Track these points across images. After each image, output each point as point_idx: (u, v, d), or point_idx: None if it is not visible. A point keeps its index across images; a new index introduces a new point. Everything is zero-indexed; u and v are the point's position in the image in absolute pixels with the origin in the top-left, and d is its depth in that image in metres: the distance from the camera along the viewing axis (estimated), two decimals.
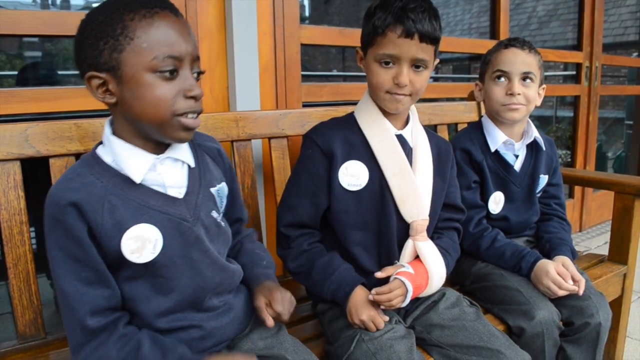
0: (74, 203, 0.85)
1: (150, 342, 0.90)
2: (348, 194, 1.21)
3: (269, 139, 1.48)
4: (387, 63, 1.15)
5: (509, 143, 1.54)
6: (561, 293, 1.32)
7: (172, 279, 0.93)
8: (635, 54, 6.18)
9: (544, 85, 1.55)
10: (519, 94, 1.47)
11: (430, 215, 1.24)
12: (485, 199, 1.53)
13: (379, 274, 1.17)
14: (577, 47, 3.43)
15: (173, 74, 0.86)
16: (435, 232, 1.32)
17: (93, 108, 1.50)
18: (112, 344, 0.88)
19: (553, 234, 1.53)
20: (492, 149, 1.53)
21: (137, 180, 0.90)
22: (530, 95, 1.49)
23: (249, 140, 1.44)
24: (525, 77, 1.48)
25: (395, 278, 1.15)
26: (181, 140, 0.93)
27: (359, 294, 1.15)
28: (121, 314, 0.92)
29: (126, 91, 0.86)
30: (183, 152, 0.98)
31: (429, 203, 1.24)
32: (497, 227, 1.51)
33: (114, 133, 0.92)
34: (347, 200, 1.21)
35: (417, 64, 1.14)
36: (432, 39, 1.14)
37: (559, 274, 1.32)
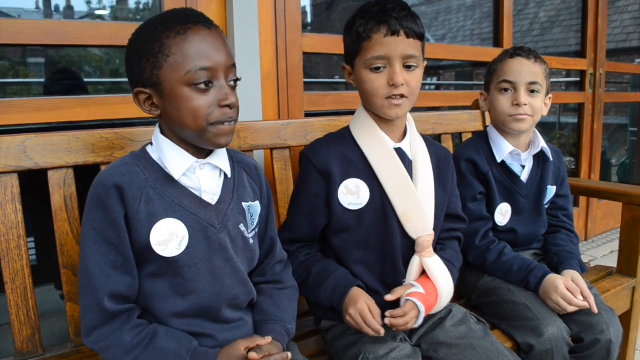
0: (118, 185, 0.91)
1: (165, 331, 0.94)
2: (349, 213, 1.18)
3: (271, 149, 1.45)
4: (377, 68, 1.13)
5: (516, 153, 1.51)
6: (571, 309, 1.29)
7: (191, 280, 0.96)
8: (639, 60, 6.16)
9: (550, 95, 1.53)
10: (525, 105, 1.44)
11: (434, 229, 1.22)
12: (491, 210, 1.50)
13: (389, 297, 1.13)
14: (581, 54, 3.41)
15: (208, 85, 0.91)
16: (437, 244, 1.30)
17: (94, 118, 1.48)
18: (127, 331, 0.91)
19: (561, 247, 1.50)
20: (499, 160, 1.50)
21: (177, 176, 0.95)
22: (537, 105, 1.46)
23: (251, 151, 1.42)
24: (531, 87, 1.45)
25: (407, 300, 1.13)
26: (220, 146, 0.97)
27: (355, 291, 1.12)
28: (135, 306, 0.96)
29: (167, 104, 0.93)
30: (222, 160, 1.02)
31: (432, 217, 1.22)
32: (504, 240, 1.48)
33: (163, 134, 0.99)
34: (348, 220, 1.18)
35: (408, 63, 1.12)
36: (417, 35, 1.13)
37: (568, 289, 1.29)
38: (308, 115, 1.89)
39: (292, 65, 1.81)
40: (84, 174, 1.21)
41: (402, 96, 1.13)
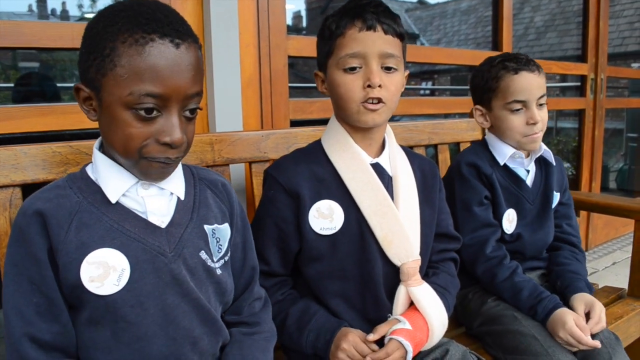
0: (39, 212, 0.77)
1: None
2: (321, 239, 1.05)
3: (250, 163, 1.31)
4: (352, 69, 1.00)
5: (518, 156, 1.39)
6: (581, 347, 1.15)
7: (137, 324, 0.79)
8: (637, 65, 6.07)
9: None
10: (539, 121, 1.34)
11: (421, 253, 1.09)
12: (497, 217, 1.37)
13: (371, 337, 1.00)
14: (582, 58, 3.29)
15: (151, 112, 0.76)
16: (429, 267, 1.17)
17: (53, 129, 1.34)
18: None
19: (564, 265, 1.37)
20: (501, 163, 1.39)
21: (113, 199, 0.81)
22: (546, 117, 1.36)
23: (227, 165, 1.27)
24: (540, 101, 1.35)
25: (391, 339, 0.99)
26: (150, 180, 0.83)
27: (343, 330, 1.01)
28: None
29: (103, 117, 0.79)
30: (172, 182, 0.86)
31: (418, 240, 1.09)
32: (510, 250, 1.36)
33: (102, 149, 0.85)
34: (321, 247, 1.05)
35: (387, 64, 1.01)
36: (397, 33, 1.02)
37: (578, 326, 1.15)
38: (294, 123, 1.76)
39: (276, 70, 1.67)
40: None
41: (380, 101, 1.01)
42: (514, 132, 1.36)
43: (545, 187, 1.43)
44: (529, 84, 1.33)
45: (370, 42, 0.99)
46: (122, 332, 0.79)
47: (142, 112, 0.75)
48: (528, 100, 1.33)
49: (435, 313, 1.05)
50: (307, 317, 1.03)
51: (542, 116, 1.35)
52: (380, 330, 1.01)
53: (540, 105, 1.35)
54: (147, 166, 0.79)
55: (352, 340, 0.98)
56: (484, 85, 1.40)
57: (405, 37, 1.06)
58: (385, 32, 1.00)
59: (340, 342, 0.98)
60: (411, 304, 1.07)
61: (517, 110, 1.35)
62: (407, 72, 1.09)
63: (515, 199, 1.40)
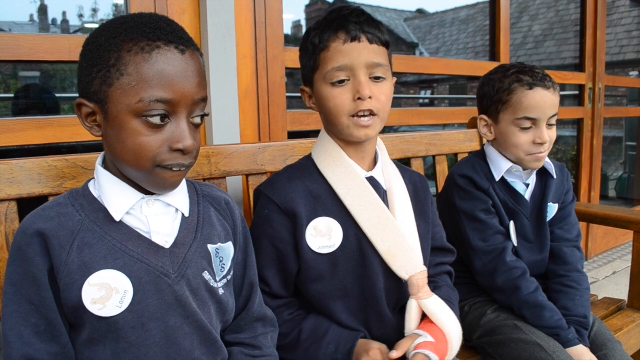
0: (41, 233, 0.76)
1: None
2: (321, 259, 1.02)
3: (247, 176, 1.31)
4: (341, 82, 0.98)
5: (515, 170, 1.36)
6: None
7: (138, 345, 0.79)
8: (635, 73, 6.09)
9: None
10: (547, 141, 1.29)
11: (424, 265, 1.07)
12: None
13: (395, 354, 0.97)
14: (580, 67, 3.30)
15: (164, 120, 0.76)
16: (429, 282, 1.14)
17: (50, 141, 1.34)
18: None
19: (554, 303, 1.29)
20: (497, 178, 1.35)
21: (117, 217, 0.80)
22: (554, 136, 1.31)
23: (224, 178, 1.27)
24: (551, 120, 1.29)
25: (417, 353, 0.97)
26: (163, 191, 0.83)
27: (362, 342, 0.99)
28: None
29: (110, 130, 0.78)
30: (177, 197, 0.86)
31: (420, 251, 1.07)
32: None
33: (105, 165, 0.84)
34: (320, 266, 1.02)
35: (375, 74, 0.99)
36: (382, 41, 1.01)
37: None
38: (292, 135, 1.76)
39: (273, 81, 1.67)
40: (32, 207, 1.08)
41: (371, 113, 0.99)
42: (518, 149, 1.31)
43: (541, 201, 1.38)
44: (543, 102, 1.27)
45: (356, 54, 0.97)
46: (123, 352, 0.78)
47: (155, 120, 0.75)
48: (539, 118, 1.28)
49: (451, 323, 1.03)
50: (323, 330, 1.01)
51: (550, 136, 1.29)
52: (403, 346, 0.99)
53: (550, 125, 1.30)
54: (162, 175, 0.78)
55: (373, 356, 0.96)
56: (494, 96, 1.34)
57: (390, 45, 1.05)
58: (371, 42, 0.98)
59: (361, 356, 0.97)
60: (423, 318, 1.05)
61: (526, 127, 1.29)
62: (394, 80, 1.08)
63: (514, 215, 1.36)
